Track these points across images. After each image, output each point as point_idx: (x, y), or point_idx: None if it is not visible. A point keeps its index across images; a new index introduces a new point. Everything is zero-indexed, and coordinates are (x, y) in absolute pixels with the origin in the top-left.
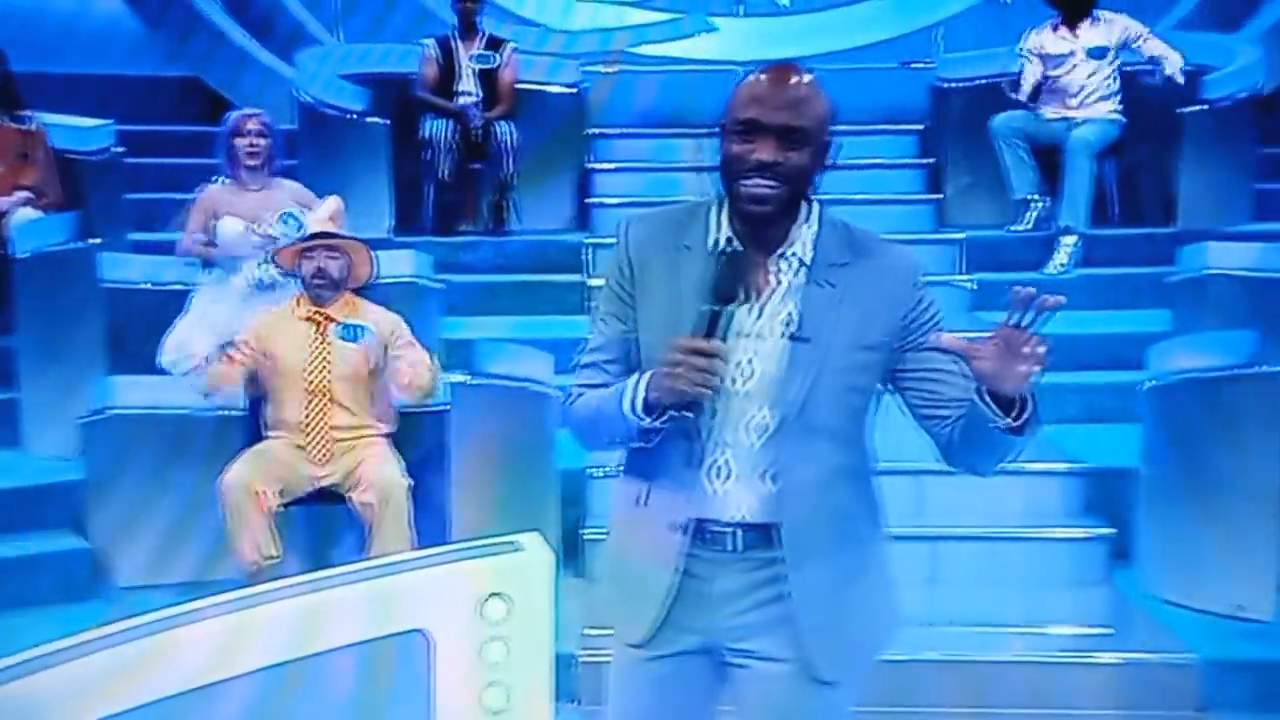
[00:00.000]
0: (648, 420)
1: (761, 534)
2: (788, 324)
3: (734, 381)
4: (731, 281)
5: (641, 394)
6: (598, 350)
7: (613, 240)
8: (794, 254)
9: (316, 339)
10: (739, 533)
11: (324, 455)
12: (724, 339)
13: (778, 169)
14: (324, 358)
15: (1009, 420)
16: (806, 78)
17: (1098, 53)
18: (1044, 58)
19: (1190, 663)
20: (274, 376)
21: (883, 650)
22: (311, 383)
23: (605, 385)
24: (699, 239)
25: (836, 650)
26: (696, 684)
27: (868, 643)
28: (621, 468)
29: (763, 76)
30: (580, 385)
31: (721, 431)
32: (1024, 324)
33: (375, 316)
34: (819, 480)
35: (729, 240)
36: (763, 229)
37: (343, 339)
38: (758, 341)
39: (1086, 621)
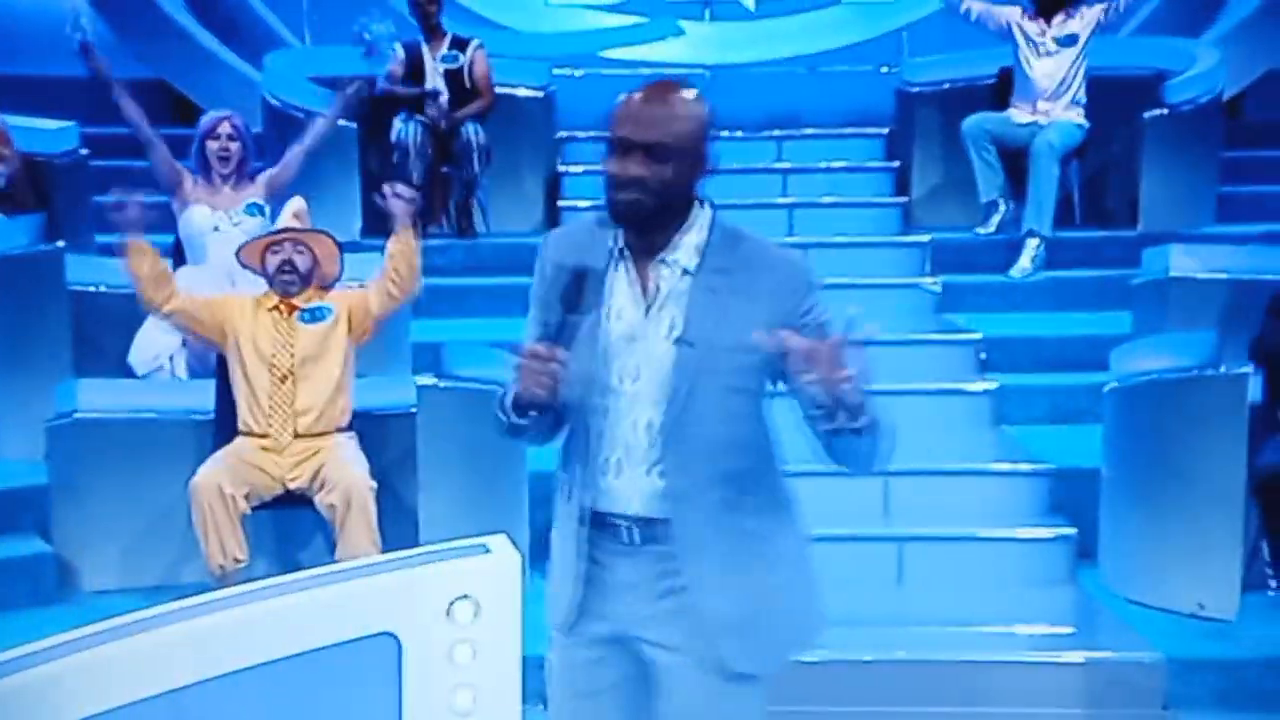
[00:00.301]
0: (512, 417)
1: (655, 528)
2: (671, 328)
3: (621, 382)
4: (575, 293)
5: (511, 394)
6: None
7: None
8: (676, 260)
9: (281, 324)
10: (634, 526)
11: (288, 449)
12: (568, 345)
13: (644, 182)
14: (288, 342)
15: (842, 422)
16: (677, 94)
17: (1067, 40)
18: (1013, 29)
19: (1154, 661)
20: (240, 365)
21: (799, 648)
22: (276, 368)
23: None
24: (603, 250)
25: (741, 643)
26: (617, 671)
27: (778, 639)
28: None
29: (634, 96)
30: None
31: (614, 429)
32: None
33: (335, 297)
34: (707, 478)
35: (621, 251)
36: (643, 237)
37: (304, 322)
38: (644, 344)
39: (1051, 620)
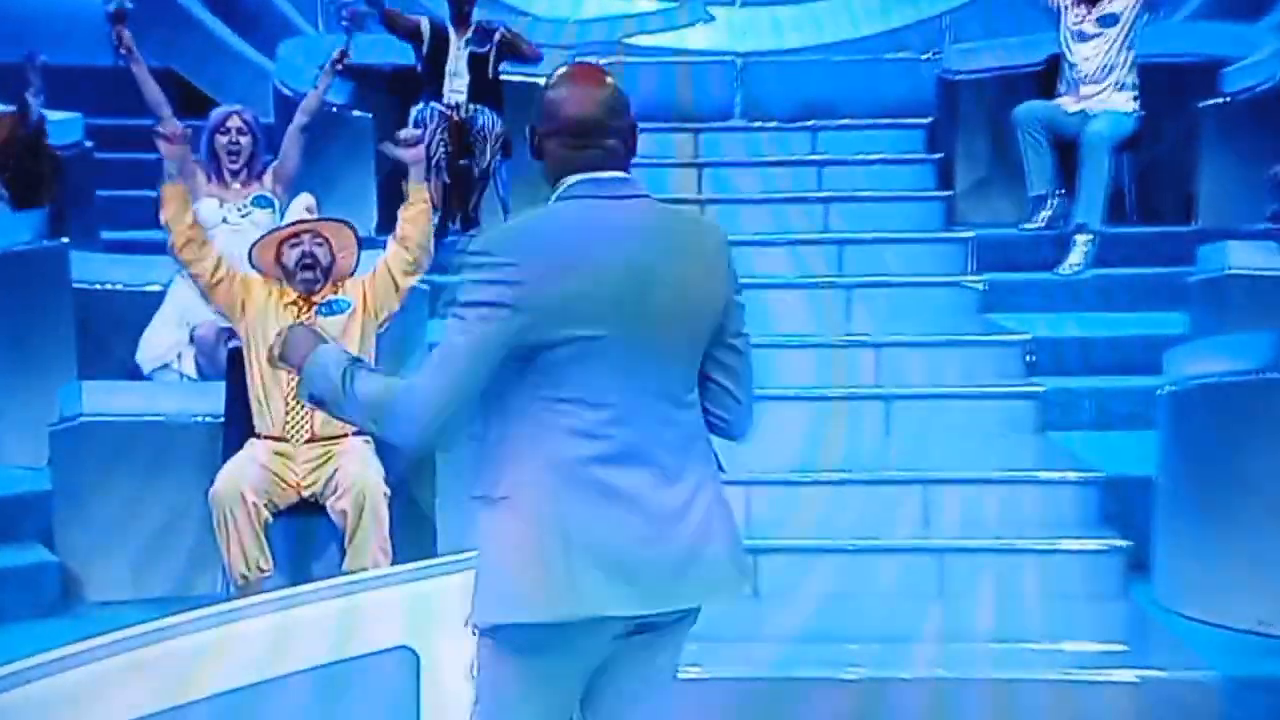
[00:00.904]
0: None
1: None
2: None
3: None
4: None
5: None
6: None
7: None
8: None
9: (301, 319)
10: None
11: (303, 454)
12: None
13: None
14: None
15: None
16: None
17: (1108, 20)
18: (1060, 12)
19: (1210, 680)
20: (257, 365)
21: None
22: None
23: None
24: None
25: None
26: None
27: (480, 603)
28: None
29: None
30: None
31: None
32: None
33: (352, 287)
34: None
35: None
36: None
37: (323, 315)
38: None
39: (1101, 637)
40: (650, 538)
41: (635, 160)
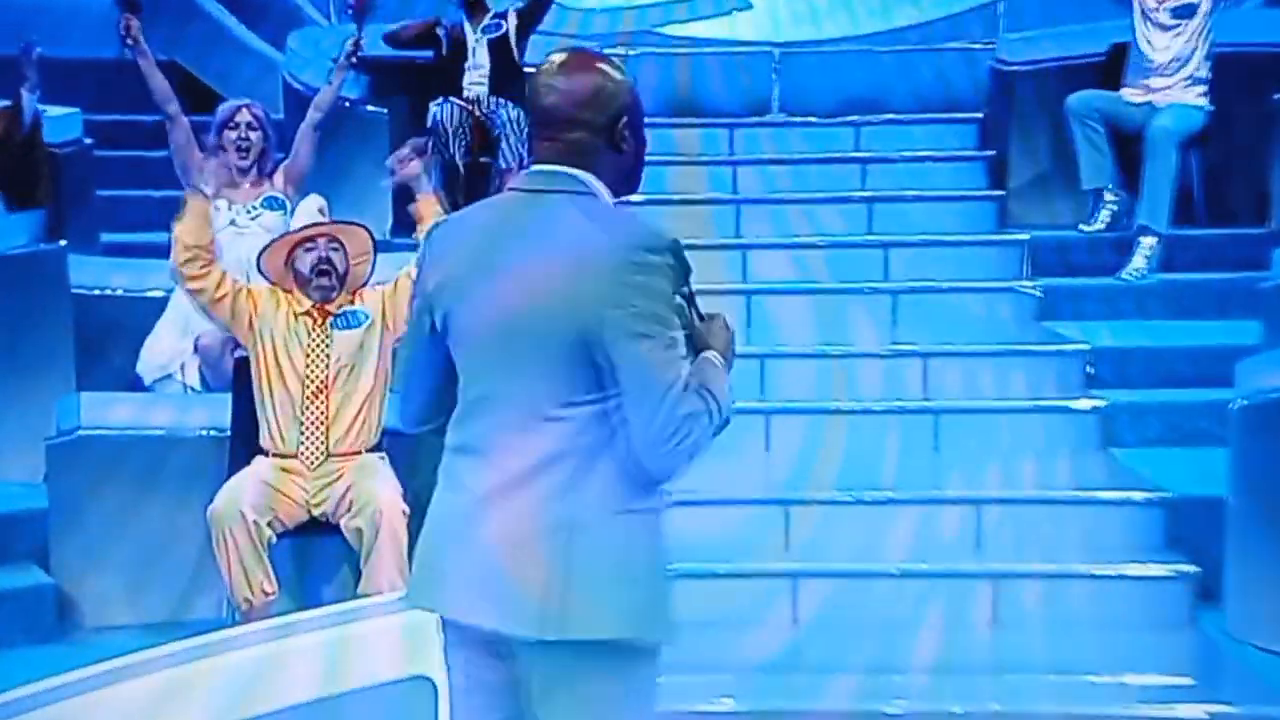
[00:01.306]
0: None
1: None
2: None
3: None
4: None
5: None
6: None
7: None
8: None
9: (316, 332)
10: None
11: (316, 471)
12: None
13: None
14: (323, 352)
15: None
16: None
17: (1185, 11)
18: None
19: None
20: (267, 379)
21: None
22: (311, 380)
23: None
24: None
25: None
26: None
27: None
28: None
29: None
30: (699, 404)
31: None
32: None
33: (366, 297)
34: None
35: None
36: None
37: (339, 328)
38: None
39: (1167, 670)
40: (464, 540)
41: (664, 158)
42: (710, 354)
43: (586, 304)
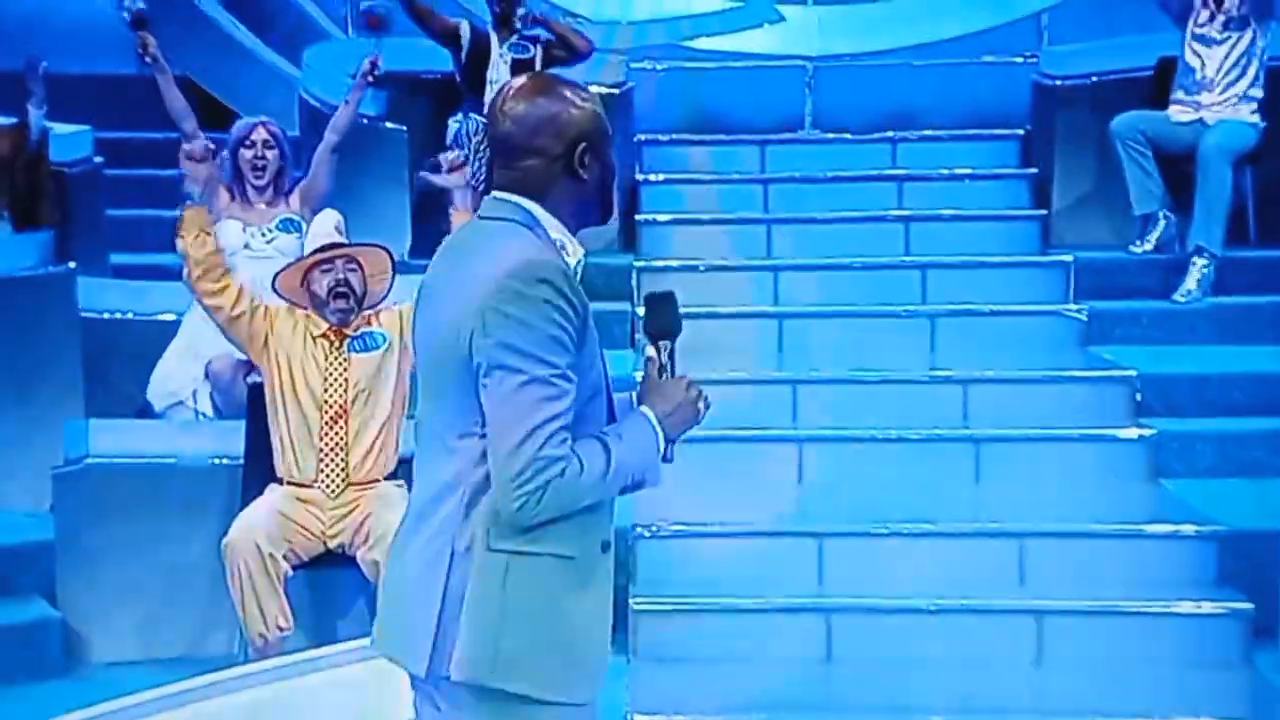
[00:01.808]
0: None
1: None
2: None
3: None
4: (678, 316)
5: (663, 432)
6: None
7: (664, 264)
8: None
9: (334, 355)
10: None
11: (333, 500)
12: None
13: None
14: (341, 376)
15: None
16: None
17: (1238, 25)
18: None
19: None
20: (283, 405)
21: None
22: (329, 405)
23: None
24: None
25: None
26: None
27: None
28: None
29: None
30: (564, 450)
31: None
32: None
33: (387, 320)
34: None
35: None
36: None
37: (356, 351)
38: None
39: (1221, 711)
40: (389, 571)
41: (694, 176)
42: (643, 409)
43: (465, 333)
